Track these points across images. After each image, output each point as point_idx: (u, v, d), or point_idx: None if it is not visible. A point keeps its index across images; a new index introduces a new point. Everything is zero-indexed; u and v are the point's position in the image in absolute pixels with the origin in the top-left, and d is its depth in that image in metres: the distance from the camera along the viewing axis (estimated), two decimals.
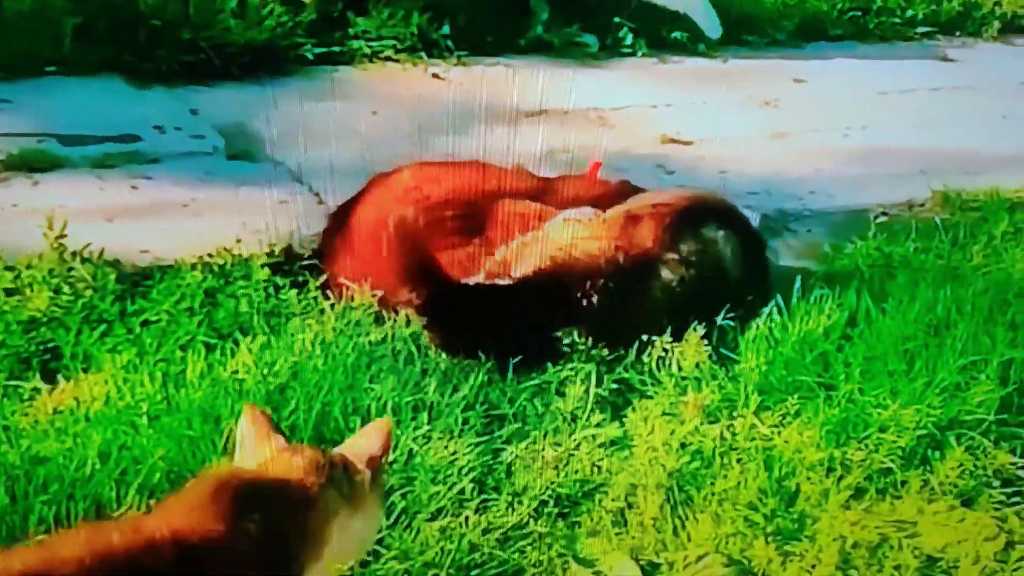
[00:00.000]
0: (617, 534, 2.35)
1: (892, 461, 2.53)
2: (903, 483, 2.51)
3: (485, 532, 2.30)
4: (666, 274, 2.88)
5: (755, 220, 3.29)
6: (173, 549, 1.51)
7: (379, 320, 2.79)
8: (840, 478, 2.49)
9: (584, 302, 2.78)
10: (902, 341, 2.84)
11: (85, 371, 2.61)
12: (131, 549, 1.48)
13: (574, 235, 2.86)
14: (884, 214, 3.63)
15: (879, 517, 2.42)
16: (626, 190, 3.16)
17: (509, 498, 2.39)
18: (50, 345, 2.67)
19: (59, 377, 2.60)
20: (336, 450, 1.81)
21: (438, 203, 2.95)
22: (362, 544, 1.85)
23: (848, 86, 4.74)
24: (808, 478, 2.48)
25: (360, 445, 1.80)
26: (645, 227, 2.90)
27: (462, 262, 2.83)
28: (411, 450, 2.43)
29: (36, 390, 2.55)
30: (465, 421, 2.54)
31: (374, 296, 2.80)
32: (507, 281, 2.78)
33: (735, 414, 2.65)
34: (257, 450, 1.74)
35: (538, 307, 2.78)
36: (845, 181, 3.87)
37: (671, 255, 2.88)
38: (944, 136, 4.28)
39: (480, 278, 2.79)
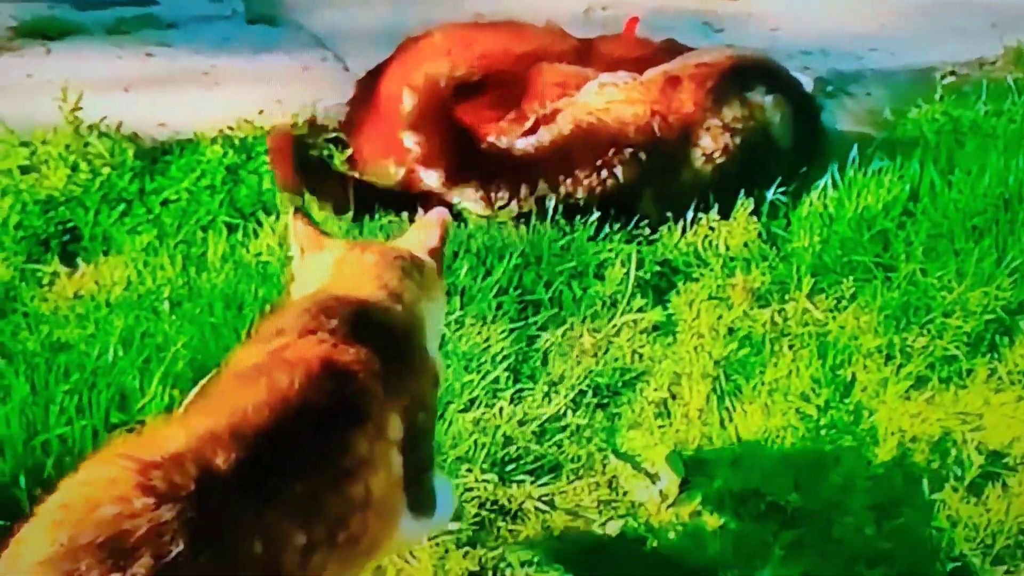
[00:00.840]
0: (660, 426, 2.29)
1: (957, 348, 2.43)
2: (968, 372, 2.41)
3: (521, 424, 2.25)
4: (707, 142, 2.73)
5: (808, 83, 3.12)
6: (327, 378, 1.52)
7: None
8: (900, 367, 2.39)
9: (605, 172, 2.63)
10: (970, 217, 2.71)
11: (105, 253, 2.58)
12: (301, 389, 1.49)
13: (608, 99, 2.71)
14: (952, 74, 3.45)
15: (941, 409, 2.33)
16: (672, 49, 2.99)
17: (545, 387, 2.33)
18: (69, 225, 2.63)
19: (78, 260, 2.57)
20: (396, 243, 1.82)
21: (470, 71, 2.80)
22: (439, 331, 1.87)
23: None
24: (865, 367, 2.39)
25: (419, 237, 1.79)
26: (685, 90, 2.75)
27: (495, 136, 2.70)
28: (443, 336, 2.34)
29: (55, 274, 2.53)
30: (499, 306, 2.47)
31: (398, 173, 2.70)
32: (527, 144, 2.63)
33: (787, 297, 2.56)
34: (323, 253, 1.73)
35: (559, 176, 2.64)
36: (909, 37, 3.66)
37: (713, 121, 2.74)
38: None
39: (505, 143, 2.67)
